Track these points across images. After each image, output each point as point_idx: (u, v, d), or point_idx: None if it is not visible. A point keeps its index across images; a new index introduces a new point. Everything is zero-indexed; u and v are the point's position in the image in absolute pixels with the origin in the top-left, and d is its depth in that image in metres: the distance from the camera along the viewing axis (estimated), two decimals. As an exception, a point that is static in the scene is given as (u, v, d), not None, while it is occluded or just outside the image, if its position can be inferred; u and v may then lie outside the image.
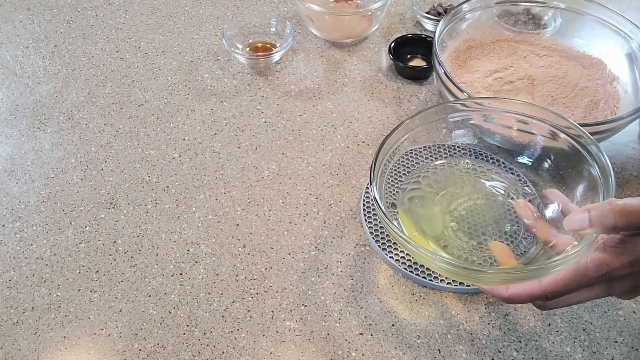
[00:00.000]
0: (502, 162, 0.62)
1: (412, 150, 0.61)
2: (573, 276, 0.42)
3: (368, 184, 0.65)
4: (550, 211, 0.55)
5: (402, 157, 0.61)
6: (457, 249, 0.54)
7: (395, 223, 0.48)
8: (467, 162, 0.61)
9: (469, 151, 0.62)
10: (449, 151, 0.63)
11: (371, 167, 0.52)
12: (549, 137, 0.57)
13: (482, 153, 0.63)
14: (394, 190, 0.58)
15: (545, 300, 0.44)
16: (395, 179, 0.59)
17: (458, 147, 0.62)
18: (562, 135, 0.55)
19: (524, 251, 0.54)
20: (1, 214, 0.64)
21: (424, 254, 0.46)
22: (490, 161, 0.62)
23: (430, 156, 0.62)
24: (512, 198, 0.58)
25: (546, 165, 0.58)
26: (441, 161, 0.62)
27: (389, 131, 0.72)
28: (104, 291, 0.58)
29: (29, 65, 0.83)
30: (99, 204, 0.65)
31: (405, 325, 0.55)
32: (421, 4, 0.90)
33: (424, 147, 0.62)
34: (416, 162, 0.62)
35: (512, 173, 0.61)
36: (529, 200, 0.57)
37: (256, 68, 0.82)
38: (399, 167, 0.60)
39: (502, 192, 0.59)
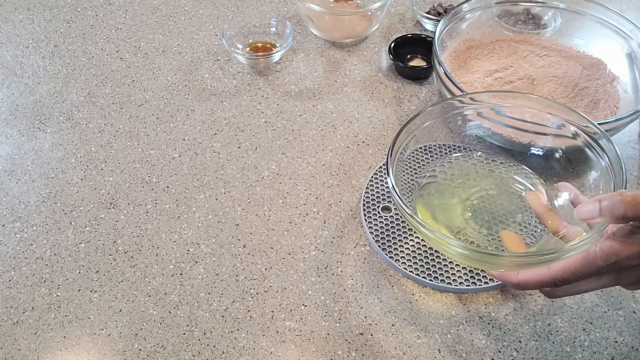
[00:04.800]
0: (515, 153, 0.62)
1: (426, 143, 0.62)
2: (582, 264, 0.43)
3: (368, 183, 0.65)
4: (561, 202, 0.55)
5: (418, 149, 0.61)
6: (470, 237, 0.55)
7: (411, 210, 0.49)
8: (480, 155, 0.62)
9: (482, 143, 0.63)
10: (464, 143, 0.63)
11: (388, 155, 0.53)
12: (560, 130, 0.58)
13: (495, 144, 0.63)
14: (409, 180, 0.59)
15: (553, 287, 0.45)
16: (411, 169, 0.60)
17: (472, 139, 0.63)
18: (573, 128, 0.56)
19: (535, 241, 0.55)
20: (1, 214, 0.64)
21: (441, 239, 0.47)
22: (503, 152, 0.63)
23: (445, 149, 0.63)
24: (524, 188, 0.59)
25: (557, 156, 0.59)
26: (456, 154, 0.62)
27: (389, 131, 0.73)
28: (104, 291, 0.58)
29: (29, 65, 0.83)
30: (99, 204, 0.65)
31: (405, 325, 0.55)
32: (421, 4, 0.90)
33: (438, 139, 0.63)
34: (431, 154, 0.63)
35: (524, 164, 0.61)
36: (540, 191, 0.58)
37: (256, 68, 0.82)
38: (414, 158, 0.61)
39: (514, 183, 0.59)
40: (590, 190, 0.54)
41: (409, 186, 0.59)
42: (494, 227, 0.56)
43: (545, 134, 0.60)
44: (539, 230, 0.55)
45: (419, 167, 0.61)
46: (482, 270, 0.58)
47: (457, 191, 0.59)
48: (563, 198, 0.55)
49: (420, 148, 0.61)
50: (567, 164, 0.58)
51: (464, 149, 0.63)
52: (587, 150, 0.55)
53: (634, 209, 0.40)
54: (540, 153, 0.61)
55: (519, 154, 0.62)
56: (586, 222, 0.46)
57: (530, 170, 0.61)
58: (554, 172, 0.59)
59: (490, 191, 0.58)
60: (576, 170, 0.57)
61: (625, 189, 0.47)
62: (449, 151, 0.63)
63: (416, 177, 0.60)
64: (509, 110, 0.60)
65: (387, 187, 0.64)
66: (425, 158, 0.63)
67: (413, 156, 0.61)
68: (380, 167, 0.67)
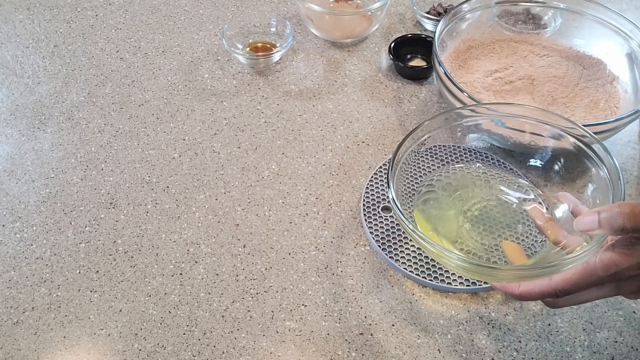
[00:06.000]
0: (514, 165, 0.63)
1: (426, 152, 0.63)
2: (582, 275, 0.43)
3: (368, 183, 0.65)
4: (561, 212, 0.56)
5: (417, 160, 0.62)
6: (471, 249, 0.55)
7: (411, 221, 0.50)
8: (479, 166, 0.62)
9: (482, 155, 0.64)
10: (463, 155, 0.64)
11: (388, 170, 0.53)
12: (557, 140, 0.58)
13: (494, 156, 0.64)
14: (408, 190, 0.59)
15: (555, 297, 0.45)
16: (410, 180, 0.61)
17: (471, 150, 0.64)
18: (572, 139, 0.56)
19: (535, 251, 0.55)
20: (1, 214, 0.64)
21: (441, 252, 0.47)
22: (502, 164, 0.63)
23: (445, 159, 0.64)
24: (523, 200, 0.59)
25: (556, 167, 0.60)
26: (455, 165, 0.63)
27: (388, 131, 0.73)
28: (104, 291, 0.58)
29: (29, 65, 0.83)
30: (99, 204, 0.65)
31: (405, 325, 0.55)
32: (421, 4, 0.90)
33: (438, 150, 0.64)
34: (431, 165, 0.63)
35: (523, 175, 0.62)
36: (540, 202, 0.58)
37: (256, 68, 0.82)
38: (412, 169, 0.62)
39: (514, 194, 0.60)
40: (589, 201, 0.54)
41: (409, 193, 0.59)
42: (494, 238, 0.56)
43: (543, 143, 0.60)
44: (540, 241, 0.56)
45: (419, 173, 0.62)
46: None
47: (457, 202, 0.59)
48: (563, 208, 0.55)
49: (422, 151, 0.61)
50: (566, 175, 0.59)
51: (466, 151, 0.63)
52: (585, 161, 0.55)
53: (632, 221, 0.41)
54: (540, 164, 0.61)
55: (519, 163, 0.63)
56: (586, 234, 0.46)
57: (529, 181, 0.61)
58: (553, 183, 0.60)
59: (490, 202, 0.59)
60: (575, 181, 0.57)
61: (624, 200, 0.48)
62: (450, 157, 0.63)
63: (416, 185, 0.60)
64: (507, 121, 0.60)
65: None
66: (426, 164, 0.63)
67: (414, 161, 0.61)
68: (381, 167, 0.67)
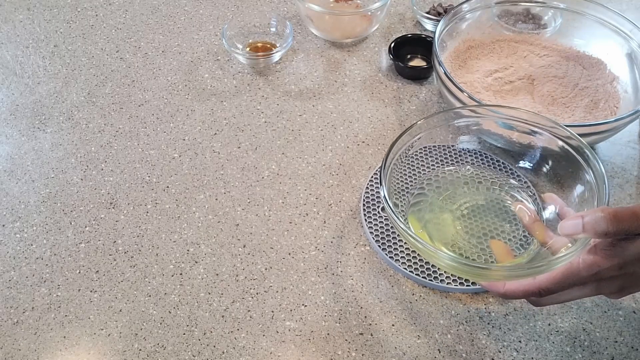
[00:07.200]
0: (504, 166, 0.64)
1: (418, 153, 0.63)
2: (565, 275, 0.45)
3: (368, 183, 0.65)
4: (548, 213, 0.57)
5: (410, 160, 0.62)
6: (460, 247, 0.56)
7: (403, 221, 0.51)
8: (469, 169, 0.63)
9: (472, 157, 0.64)
10: (454, 157, 0.64)
11: (381, 168, 0.54)
12: (547, 144, 0.59)
13: (485, 158, 0.64)
14: (400, 191, 0.60)
15: (538, 296, 0.46)
16: (402, 180, 0.61)
17: (462, 152, 0.64)
18: (560, 143, 0.57)
19: (522, 250, 0.56)
20: (1, 214, 0.64)
21: (432, 251, 0.48)
22: (493, 166, 0.64)
23: (436, 161, 0.64)
24: (512, 201, 0.60)
25: (545, 170, 0.61)
26: (446, 167, 0.63)
27: (388, 131, 0.73)
28: (104, 291, 0.58)
29: (29, 65, 0.83)
30: (99, 204, 0.65)
31: (405, 325, 0.55)
32: (421, 4, 0.90)
33: (430, 150, 0.64)
34: (422, 166, 0.63)
35: (513, 176, 0.62)
36: (528, 203, 0.59)
37: (256, 68, 0.82)
38: (406, 170, 0.62)
39: (503, 194, 0.60)
40: (576, 202, 0.55)
41: (403, 192, 0.60)
42: (482, 237, 0.57)
43: (533, 144, 0.61)
44: (527, 240, 0.56)
45: (409, 176, 0.62)
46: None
47: (447, 203, 0.60)
48: (551, 209, 0.57)
49: (412, 153, 0.62)
50: (554, 177, 0.59)
51: (454, 162, 0.64)
52: (573, 164, 0.56)
53: (615, 225, 0.42)
54: (529, 166, 0.62)
55: (509, 165, 0.63)
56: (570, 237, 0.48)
57: (518, 183, 0.62)
58: (541, 185, 0.61)
59: (479, 202, 0.60)
60: (562, 183, 0.58)
61: (608, 204, 0.49)
62: (443, 157, 0.64)
63: (410, 185, 0.61)
64: (495, 124, 0.61)
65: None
66: (420, 163, 0.63)
67: (407, 161, 0.61)
68: (380, 167, 0.67)
